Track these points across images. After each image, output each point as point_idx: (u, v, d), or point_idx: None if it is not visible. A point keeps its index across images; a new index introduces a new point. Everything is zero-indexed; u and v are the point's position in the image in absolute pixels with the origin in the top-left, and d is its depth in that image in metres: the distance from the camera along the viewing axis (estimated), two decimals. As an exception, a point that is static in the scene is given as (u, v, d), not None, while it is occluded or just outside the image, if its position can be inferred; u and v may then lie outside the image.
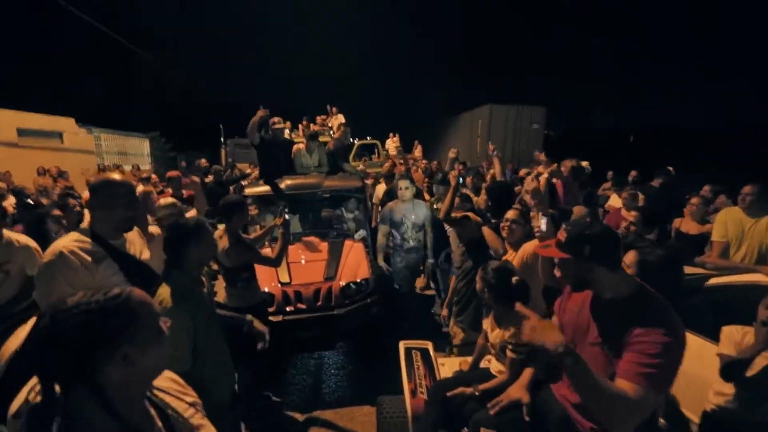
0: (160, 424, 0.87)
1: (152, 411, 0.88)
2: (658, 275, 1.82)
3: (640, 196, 4.24)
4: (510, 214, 2.54)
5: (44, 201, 5.12)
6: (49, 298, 1.55)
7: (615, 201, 5.52)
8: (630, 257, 1.90)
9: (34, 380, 2.12)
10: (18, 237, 2.85)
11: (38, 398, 1.89)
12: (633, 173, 6.18)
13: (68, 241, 1.61)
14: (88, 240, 1.63)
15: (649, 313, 1.34)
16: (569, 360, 1.20)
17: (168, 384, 0.98)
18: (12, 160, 10.55)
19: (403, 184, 4.06)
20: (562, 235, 1.50)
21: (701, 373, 1.92)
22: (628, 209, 3.94)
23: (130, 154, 16.94)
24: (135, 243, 1.85)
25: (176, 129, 19.35)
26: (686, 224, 3.73)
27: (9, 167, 9.22)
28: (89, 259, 1.59)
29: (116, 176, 1.78)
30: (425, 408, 2.13)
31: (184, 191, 5.15)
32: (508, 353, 1.97)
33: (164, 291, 1.60)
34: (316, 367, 3.87)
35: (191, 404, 0.98)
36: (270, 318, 3.34)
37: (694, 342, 1.90)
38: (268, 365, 3.32)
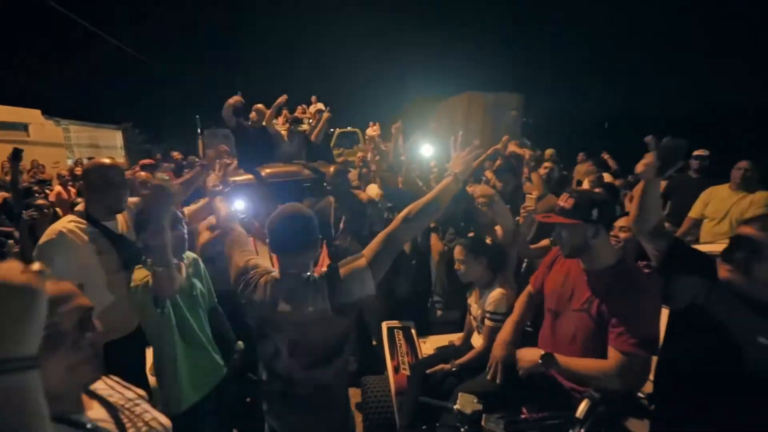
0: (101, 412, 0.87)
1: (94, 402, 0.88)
2: None
3: (605, 176, 4.58)
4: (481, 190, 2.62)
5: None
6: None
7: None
8: None
9: None
10: None
11: None
12: (604, 154, 6.44)
13: (66, 222, 1.71)
14: (84, 221, 1.73)
15: (631, 281, 1.46)
16: (551, 366, 1.47)
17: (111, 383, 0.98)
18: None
19: None
20: (567, 202, 1.51)
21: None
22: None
23: (102, 147, 16.38)
24: (123, 225, 1.92)
25: (151, 120, 18.76)
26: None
27: (-29, 161, 8.79)
28: (86, 238, 1.70)
29: (107, 161, 1.88)
30: (408, 384, 2.20)
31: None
32: (486, 322, 2.03)
33: (138, 274, 1.63)
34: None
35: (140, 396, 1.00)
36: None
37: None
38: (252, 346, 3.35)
